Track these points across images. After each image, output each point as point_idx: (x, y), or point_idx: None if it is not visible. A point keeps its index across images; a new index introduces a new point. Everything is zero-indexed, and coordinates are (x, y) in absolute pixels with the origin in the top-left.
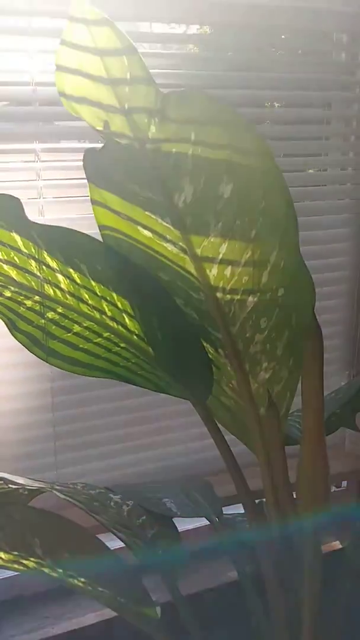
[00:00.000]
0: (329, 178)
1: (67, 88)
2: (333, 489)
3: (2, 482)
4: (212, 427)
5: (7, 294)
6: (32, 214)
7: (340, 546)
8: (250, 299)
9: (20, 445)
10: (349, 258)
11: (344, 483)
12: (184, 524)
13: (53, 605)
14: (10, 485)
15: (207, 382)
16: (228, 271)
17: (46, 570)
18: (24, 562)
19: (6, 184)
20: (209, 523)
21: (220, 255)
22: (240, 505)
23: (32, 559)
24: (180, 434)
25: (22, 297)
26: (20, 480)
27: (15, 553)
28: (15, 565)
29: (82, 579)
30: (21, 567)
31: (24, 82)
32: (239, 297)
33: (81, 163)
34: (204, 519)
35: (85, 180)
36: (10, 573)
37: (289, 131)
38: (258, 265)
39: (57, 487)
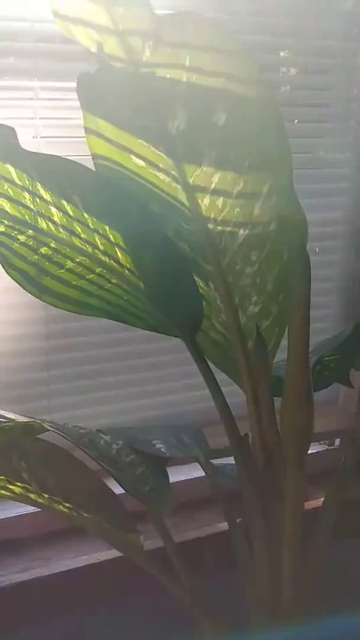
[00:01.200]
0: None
1: (60, 8)
2: (325, 447)
3: None
4: (202, 364)
5: (1, 228)
6: None
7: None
8: (242, 231)
9: (13, 388)
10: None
11: (337, 441)
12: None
13: (43, 548)
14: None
15: (197, 316)
16: (220, 202)
17: (32, 496)
18: (11, 487)
19: (3, 122)
20: (199, 476)
21: (213, 185)
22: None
23: (18, 483)
24: (174, 383)
25: (15, 232)
26: (11, 415)
27: (2, 477)
28: (2, 491)
29: (68, 505)
30: (8, 493)
31: (22, 17)
32: (230, 229)
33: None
34: (194, 472)
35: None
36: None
37: None
38: (250, 198)
39: (47, 423)
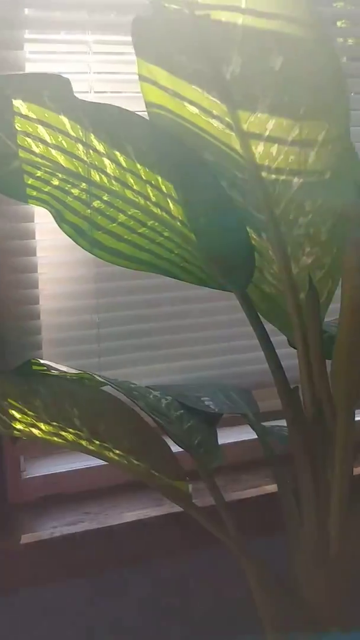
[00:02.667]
0: None
1: None
2: None
3: (45, 367)
4: (253, 317)
5: (55, 182)
6: None
7: None
8: (296, 179)
9: (65, 345)
10: None
11: None
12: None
13: (92, 503)
14: (52, 371)
15: (249, 267)
16: (274, 149)
17: (83, 442)
18: (63, 433)
19: None
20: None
21: (267, 132)
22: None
23: (70, 430)
24: (223, 344)
25: (69, 186)
26: (63, 367)
27: (55, 424)
28: (55, 438)
29: (117, 452)
30: (60, 440)
31: None
32: (284, 177)
33: (133, 57)
34: (243, 435)
35: (136, 76)
36: (51, 470)
37: None
38: (305, 145)
39: (98, 375)
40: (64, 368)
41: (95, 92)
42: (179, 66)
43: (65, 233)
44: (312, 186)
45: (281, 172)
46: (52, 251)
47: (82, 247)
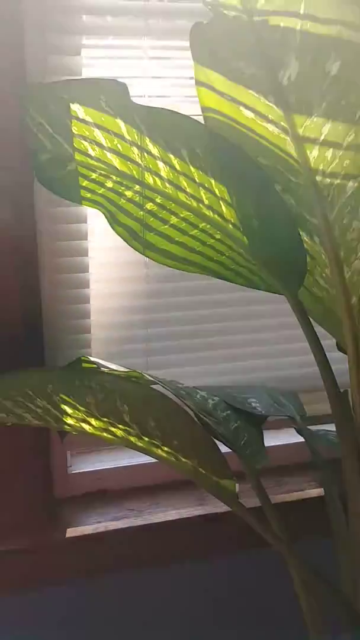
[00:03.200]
0: None
1: None
2: None
3: (95, 365)
4: (304, 320)
5: (109, 184)
6: None
7: None
8: (351, 184)
9: (115, 344)
10: None
11: None
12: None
13: (136, 500)
14: (102, 369)
15: (301, 270)
16: (329, 153)
17: (132, 439)
18: (113, 429)
19: None
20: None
21: (322, 137)
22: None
23: (120, 426)
24: (270, 348)
25: (123, 188)
26: (113, 365)
27: (105, 420)
28: (105, 434)
29: (166, 448)
30: (110, 436)
31: None
32: (338, 181)
33: (189, 61)
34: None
35: (192, 80)
36: (96, 467)
37: None
38: None
39: (147, 374)
40: (113, 366)
41: (150, 96)
42: (236, 71)
43: (118, 234)
44: None
45: (336, 177)
46: (104, 252)
47: (135, 249)
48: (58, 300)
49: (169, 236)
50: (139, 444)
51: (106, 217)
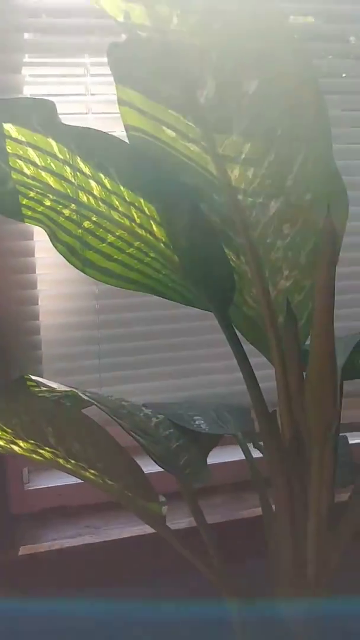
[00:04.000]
0: None
1: None
2: None
3: (35, 384)
4: (232, 339)
5: (47, 202)
6: None
7: None
8: (273, 203)
9: (67, 361)
10: None
11: None
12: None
13: (94, 517)
14: (41, 387)
15: (228, 290)
16: (250, 172)
17: (61, 461)
18: (41, 451)
19: (56, 98)
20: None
21: (243, 155)
22: None
23: (47, 448)
24: (220, 363)
25: (60, 206)
26: (53, 384)
27: (32, 441)
28: (34, 455)
29: (93, 471)
30: (39, 457)
31: None
32: (261, 200)
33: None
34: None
35: None
36: (55, 482)
37: None
38: (282, 167)
39: (84, 391)
40: (54, 384)
41: (93, 113)
42: (154, 90)
43: (59, 252)
44: (290, 209)
45: (258, 195)
46: (54, 268)
47: (75, 266)
48: (7, 317)
49: (107, 254)
50: (68, 466)
51: (48, 235)
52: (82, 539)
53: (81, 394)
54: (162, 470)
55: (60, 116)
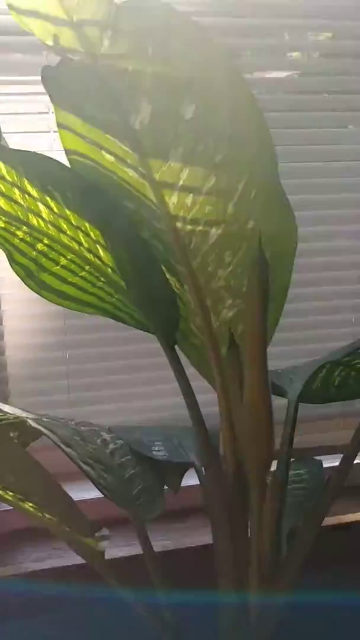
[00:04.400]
0: None
1: (14, 0)
2: None
3: None
4: (176, 367)
5: (1, 224)
6: (42, 147)
7: None
8: (214, 230)
9: (34, 381)
10: None
11: None
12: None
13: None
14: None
15: (171, 318)
16: (189, 199)
17: (1, 492)
18: None
19: (18, 116)
20: None
21: (181, 182)
22: None
23: None
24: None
25: (14, 228)
26: (6, 407)
27: None
28: None
29: (31, 504)
30: None
31: None
32: (200, 228)
33: None
34: None
35: None
36: None
37: None
38: (223, 195)
39: (32, 417)
40: (6, 408)
41: (54, 130)
42: (90, 115)
43: (16, 273)
44: (232, 237)
45: (197, 223)
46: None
47: (31, 289)
48: None
49: (62, 277)
50: (7, 497)
51: (6, 255)
52: (51, 562)
53: (30, 422)
54: None
55: (4, 137)
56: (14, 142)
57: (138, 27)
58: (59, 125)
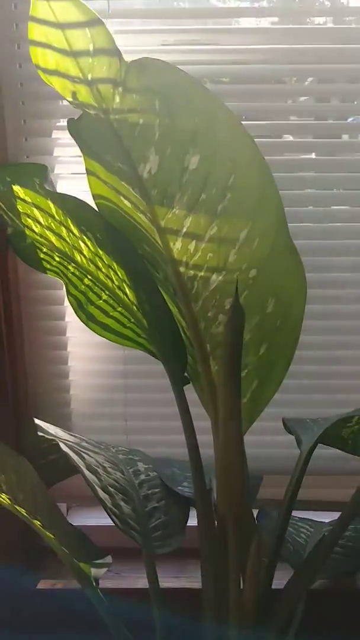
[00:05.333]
0: None
1: (40, 60)
2: None
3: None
4: (181, 405)
5: (57, 258)
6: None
7: None
8: (214, 276)
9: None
10: None
11: None
12: None
13: None
14: (42, 434)
15: (180, 360)
16: (192, 246)
17: (16, 507)
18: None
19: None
20: None
21: (184, 229)
22: None
23: (3, 495)
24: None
25: (66, 262)
26: (52, 430)
27: None
28: None
29: (38, 522)
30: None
31: None
32: (202, 273)
33: None
34: None
35: None
36: None
37: None
38: (225, 243)
39: (68, 440)
40: (52, 430)
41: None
42: (107, 164)
43: (71, 305)
44: (232, 284)
45: (199, 269)
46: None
47: (81, 320)
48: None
49: (105, 310)
50: (20, 511)
51: (65, 287)
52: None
53: (61, 444)
54: None
55: (50, 179)
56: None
57: (144, 84)
58: (87, 171)
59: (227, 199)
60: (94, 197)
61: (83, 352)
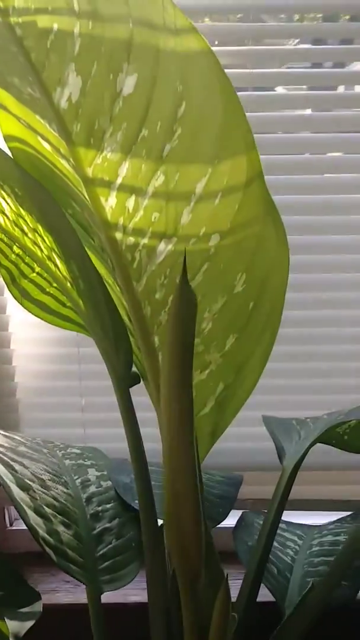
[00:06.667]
0: None
1: None
2: None
3: None
4: (125, 406)
5: None
6: None
7: None
8: (163, 245)
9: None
10: None
11: None
12: None
13: None
14: None
15: (123, 353)
16: (131, 203)
17: None
18: None
19: None
20: None
21: (120, 180)
22: None
23: None
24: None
25: None
26: None
27: None
28: None
29: None
30: None
31: None
32: (146, 241)
33: None
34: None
35: None
36: None
37: None
38: (175, 198)
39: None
40: None
41: None
42: (14, 89)
43: (3, 278)
44: (188, 255)
45: (142, 234)
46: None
47: (14, 297)
48: None
49: (40, 285)
50: None
51: None
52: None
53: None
54: None
55: None
56: None
57: None
58: None
59: (177, 136)
60: (6, 138)
61: (28, 334)
